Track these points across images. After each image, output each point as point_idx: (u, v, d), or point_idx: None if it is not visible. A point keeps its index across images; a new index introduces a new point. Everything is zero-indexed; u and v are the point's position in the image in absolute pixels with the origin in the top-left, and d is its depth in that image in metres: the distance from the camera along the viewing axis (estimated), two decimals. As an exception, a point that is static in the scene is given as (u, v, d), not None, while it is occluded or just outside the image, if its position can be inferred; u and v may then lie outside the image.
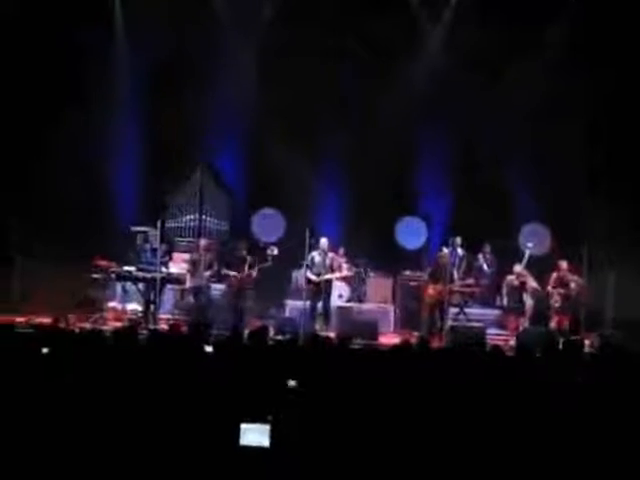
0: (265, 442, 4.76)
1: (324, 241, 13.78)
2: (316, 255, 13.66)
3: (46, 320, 11.03)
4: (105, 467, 4.78)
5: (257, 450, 4.75)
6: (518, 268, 13.69)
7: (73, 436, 4.94)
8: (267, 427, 4.77)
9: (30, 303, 12.99)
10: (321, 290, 13.64)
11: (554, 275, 13.51)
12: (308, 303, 13.57)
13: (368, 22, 15.38)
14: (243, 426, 4.76)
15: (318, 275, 13.61)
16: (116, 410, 5.15)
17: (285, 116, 15.33)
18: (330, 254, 13.83)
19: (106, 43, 15.52)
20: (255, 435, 4.75)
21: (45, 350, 6.31)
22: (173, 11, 14.99)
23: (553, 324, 13.35)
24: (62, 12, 14.40)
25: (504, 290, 13.86)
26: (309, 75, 15.23)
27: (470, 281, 14.30)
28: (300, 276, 14.45)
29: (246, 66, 15.91)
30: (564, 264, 13.46)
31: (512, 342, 12.52)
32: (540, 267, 14.02)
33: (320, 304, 13.71)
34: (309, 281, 13.63)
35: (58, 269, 13.53)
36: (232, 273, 13.75)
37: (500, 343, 12.30)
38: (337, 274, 13.97)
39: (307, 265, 13.57)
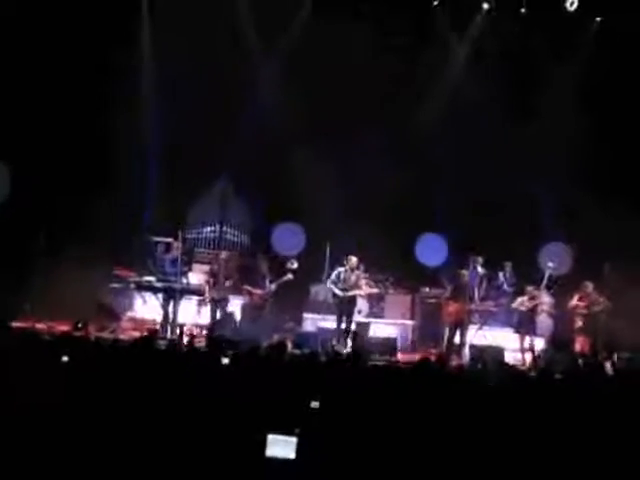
0: (291, 454, 4.71)
1: (354, 259, 13.67)
2: (342, 271, 13.58)
3: (65, 327, 11.08)
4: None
5: (282, 462, 4.69)
6: (531, 288, 13.58)
7: (90, 445, 4.93)
8: (294, 439, 4.70)
9: (49, 309, 13.02)
10: (345, 306, 13.56)
11: (578, 296, 13.39)
12: (334, 319, 13.52)
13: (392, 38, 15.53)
14: (270, 437, 4.70)
15: (343, 291, 13.53)
16: (136, 419, 5.15)
17: (307, 128, 15.31)
18: (357, 272, 13.73)
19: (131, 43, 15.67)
20: (281, 447, 4.68)
21: (65, 358, 6.34)
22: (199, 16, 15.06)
23: (576, 346, 13.21)
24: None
25: (516, 310, 13.75)
26: (331, 88, 15.22)
27: (490, 303, 14.21)
28: (321, 290, 14.41)
29: (269, 77, 15.98)
30: (590, 286, 13.32)
31: (530, 362, 12.49)
32: (563, 287, 13.90)
33: (344, 320, 13.62)
34: (334, 295, 13.57)
35: (78, 276, 13.59)
36: (251, 289, 13.73)
37: (518, 362, 12.39)
38: (363, 291, 13.87)
39: (334, 281, 13.51)
